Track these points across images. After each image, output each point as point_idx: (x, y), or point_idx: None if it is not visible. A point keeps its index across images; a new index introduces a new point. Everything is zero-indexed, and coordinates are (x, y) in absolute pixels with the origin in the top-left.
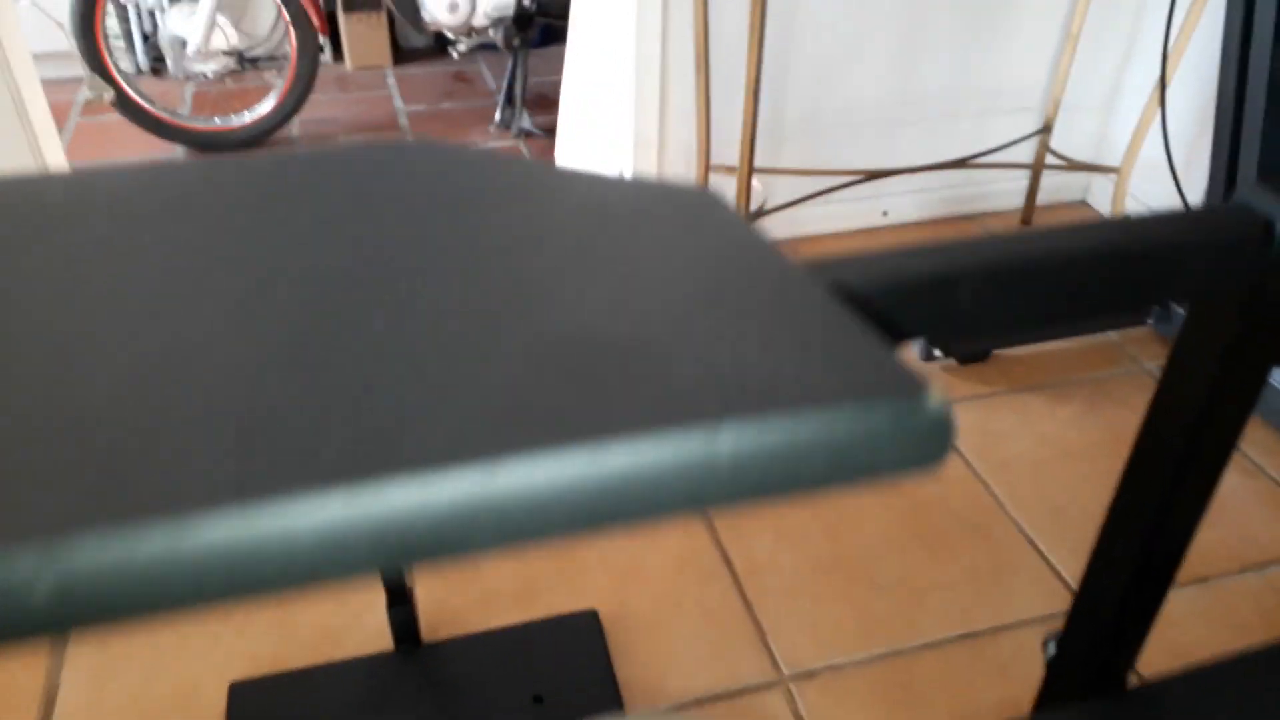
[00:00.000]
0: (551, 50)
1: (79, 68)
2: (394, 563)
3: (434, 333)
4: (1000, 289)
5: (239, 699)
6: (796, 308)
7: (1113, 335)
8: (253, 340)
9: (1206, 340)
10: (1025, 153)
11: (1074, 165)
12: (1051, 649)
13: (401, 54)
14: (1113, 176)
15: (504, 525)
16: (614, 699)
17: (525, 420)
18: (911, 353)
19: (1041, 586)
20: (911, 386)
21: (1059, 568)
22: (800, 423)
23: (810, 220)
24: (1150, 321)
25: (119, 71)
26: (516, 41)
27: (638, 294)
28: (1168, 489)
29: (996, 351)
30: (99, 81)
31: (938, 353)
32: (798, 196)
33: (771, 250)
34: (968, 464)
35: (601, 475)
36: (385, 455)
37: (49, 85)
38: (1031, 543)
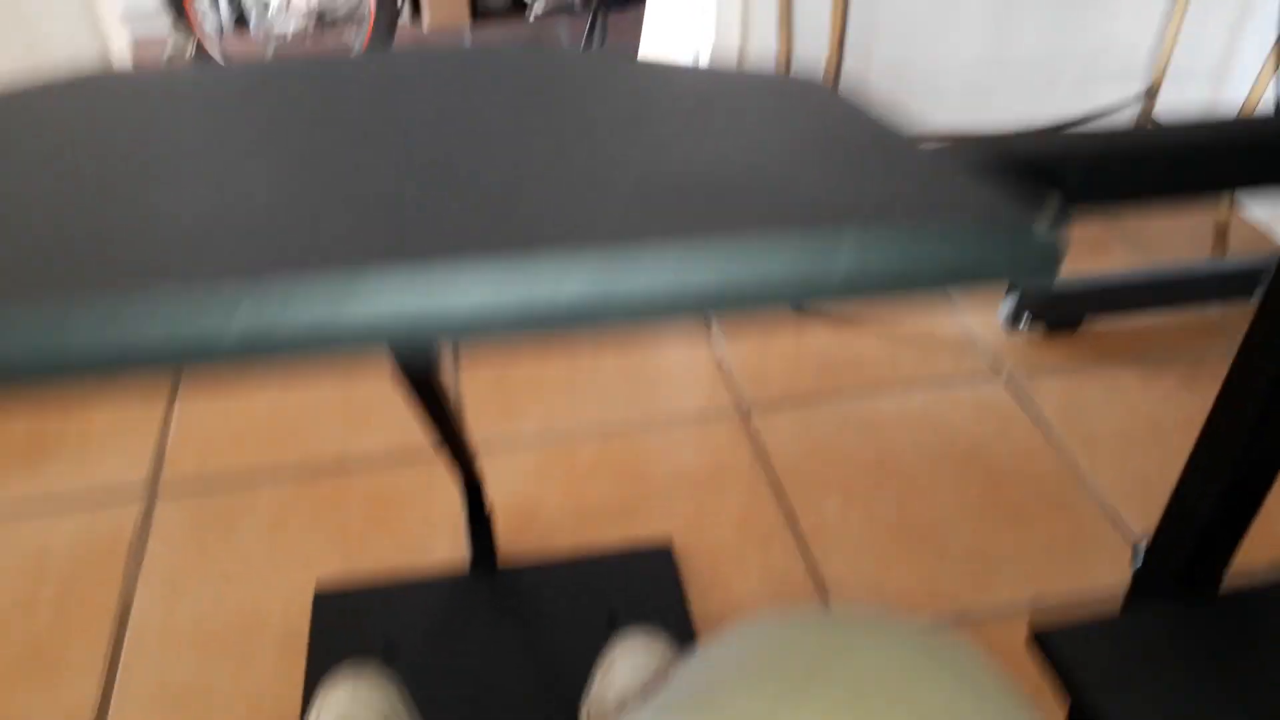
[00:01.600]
0: (632, 12)
1: (165, 26)
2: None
3: (589, 162)
4: (1127, 163)
5: (322, 607)
6: (919, 160)
7: (1213, 312)
8: (409, 161)
9: None
10: (1125, 122)
11: None
12: (1139, 557)
13: (479, 14)
14: None
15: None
16: (688, 629)
17: (664, 216)
18: (997, 321)
19: (1121, 562)
20: (1023, 215)
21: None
22: (916, 233)
23: None
24: (1255, 298)
25: (203, 30)
26: (595, 1)
27: (767, 153)
28: (1271, 390)
29: (1087, 324)
30: (183, 39)
31: (1025, 321)
32: None
33: (885, 120)
34: (1050, 436)
35: (730, 263)
36: (534, 234)
37: (136, 43)
38: (1113, 518)
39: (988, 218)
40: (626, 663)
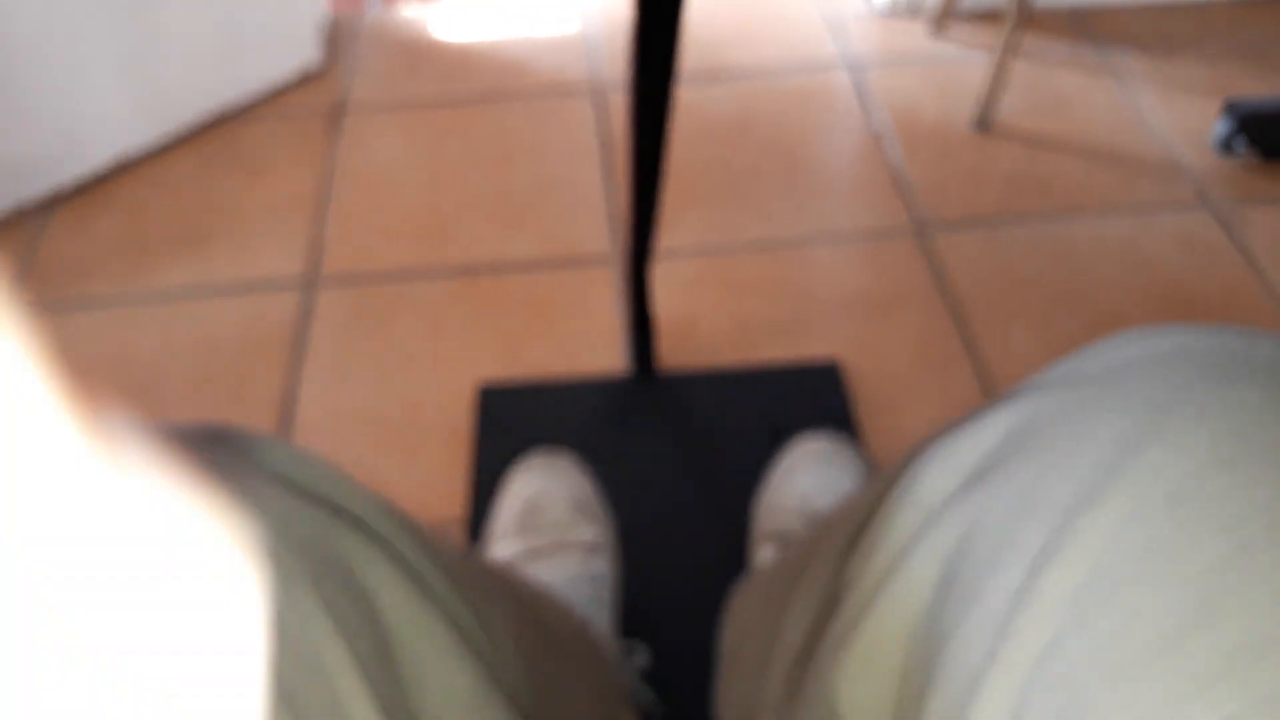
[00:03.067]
0: None
1: None
2: None
3: None
4: None
5: (486, 402)
6: None
7: None
8: None
9: None
10: None
11: None
12: None
13: None
14: None
15: None
16: (854, 442)
17: None
18: (1207, 143)
19: None
20: None
21: None
22: None
23: None
24: None
25: None
26: None
27: None
28: None
29: None
30: None
31: (1240, 145)
32: None
33: None
34: (1259, 272)
35: None
36: None
37: None
38: None
39: None
40: (810, 465)
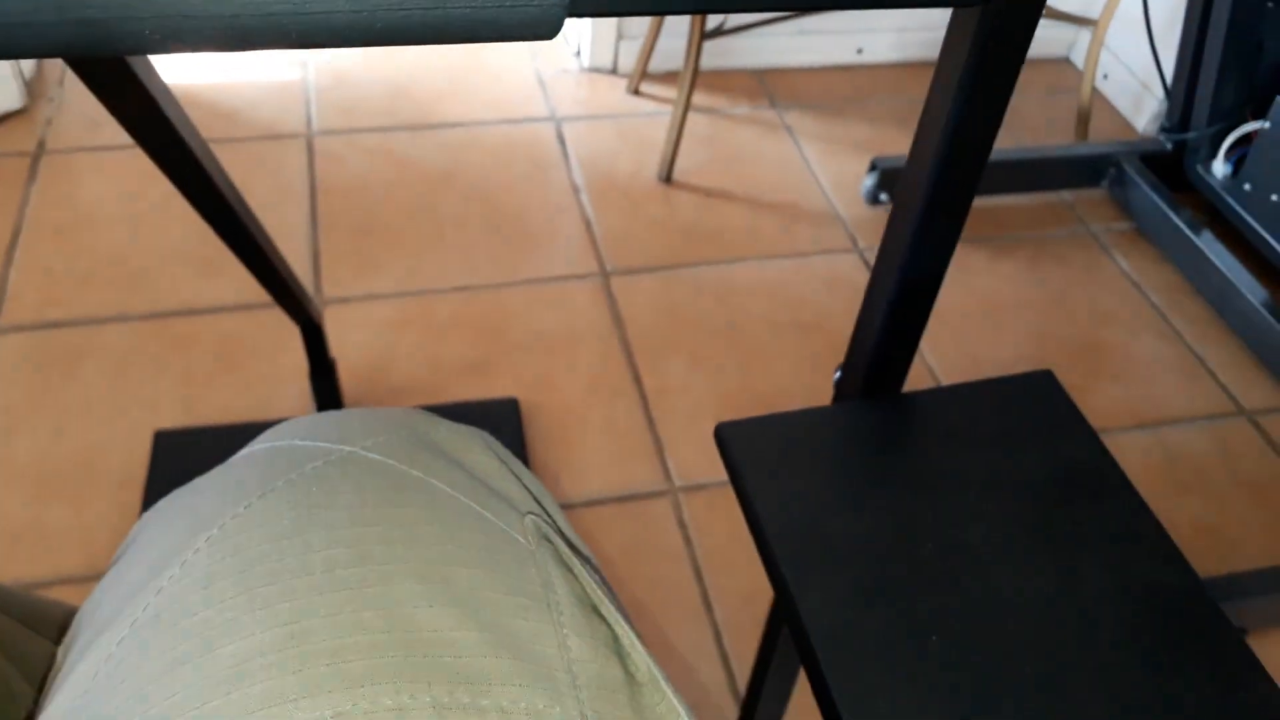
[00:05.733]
0: None
1: None
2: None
3: None
4: None
5: (161, 447)
6: None
7: (1066, 195)
8: None
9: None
10: None
11: (1053, 13)
12: (838, 375)
13: None
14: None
15: None
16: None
17: None
18: (858, 193)
19: None
20: None
21: None
22: None
23: (776, 51)
24: (1105, 184)
25: None
26: None
27: None
28: (920, 218)
29: None
30: None
31: (884, 197)
32: (763, 19)
33: None
34: None
35: None
36: None
37: None
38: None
39: None
40: None
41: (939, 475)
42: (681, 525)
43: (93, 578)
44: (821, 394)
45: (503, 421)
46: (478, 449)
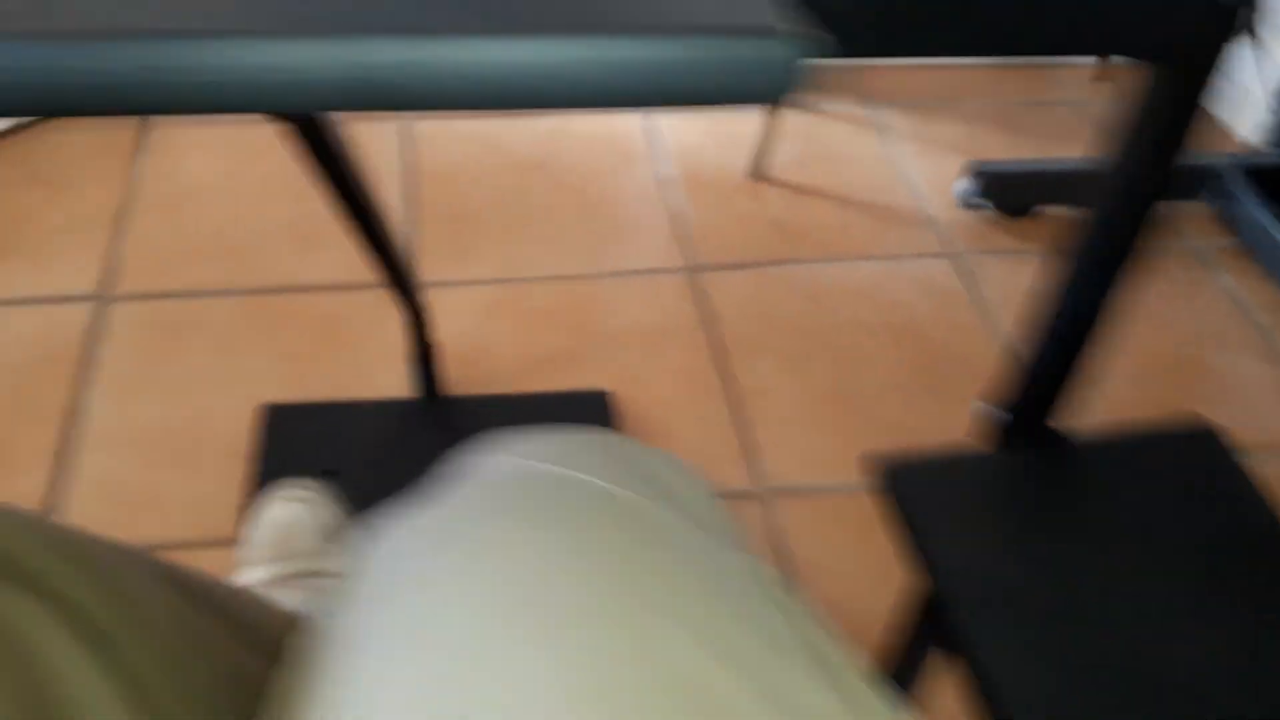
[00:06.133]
0: None
1: None
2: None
3: None
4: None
5: (268, 422)
6: None
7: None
8: None
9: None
10: None
11: None
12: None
13: None
14: None
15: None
16: None
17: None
18: (953, 196)
19: None
20: (765, 28)
21: None
22: (639, 46)
23: None
24: (1205, 197)
25: None
26: None
27: None
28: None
29: (1044, 210)
30: None
31: (979, 201)
32: None
33: None
34: (986, 316)
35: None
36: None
37: None
38: None
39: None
40: None
41: (1114, 532)
42: (771, 529)
43: (208, 544)
44: (916, 400)
45: (594, 414)
46: (685, 480)
